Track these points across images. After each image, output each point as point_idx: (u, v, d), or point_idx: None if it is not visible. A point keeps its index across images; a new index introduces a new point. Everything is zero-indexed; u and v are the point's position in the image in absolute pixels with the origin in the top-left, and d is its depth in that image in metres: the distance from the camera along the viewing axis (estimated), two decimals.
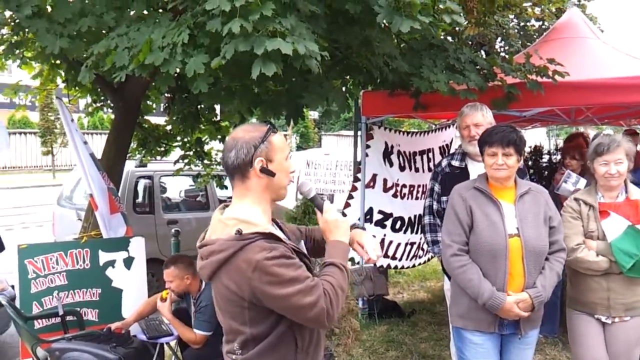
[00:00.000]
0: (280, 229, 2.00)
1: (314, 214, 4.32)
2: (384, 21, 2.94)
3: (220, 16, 2.68)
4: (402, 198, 5.69)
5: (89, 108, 5.93)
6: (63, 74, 4.82)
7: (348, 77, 4.57)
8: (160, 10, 3.67)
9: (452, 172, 3.46)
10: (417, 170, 5.79)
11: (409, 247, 5.82)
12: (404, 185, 5.67)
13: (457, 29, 6.38)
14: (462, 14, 3.27)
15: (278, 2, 2.66)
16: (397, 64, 4.10)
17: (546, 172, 7.07)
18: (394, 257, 5.72)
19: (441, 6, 3.02)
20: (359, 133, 5.61)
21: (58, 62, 4.43)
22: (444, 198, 3.44)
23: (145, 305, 4.17)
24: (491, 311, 2.68)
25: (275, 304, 1.74)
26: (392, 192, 5.58)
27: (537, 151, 7.43)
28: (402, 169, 5.64)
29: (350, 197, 5.56)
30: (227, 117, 5.85)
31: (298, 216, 4.36)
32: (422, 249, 6.06)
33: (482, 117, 3.35)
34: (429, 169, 5.86)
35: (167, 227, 7.21)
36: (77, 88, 5.09)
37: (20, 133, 26.10)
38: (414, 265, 6.23)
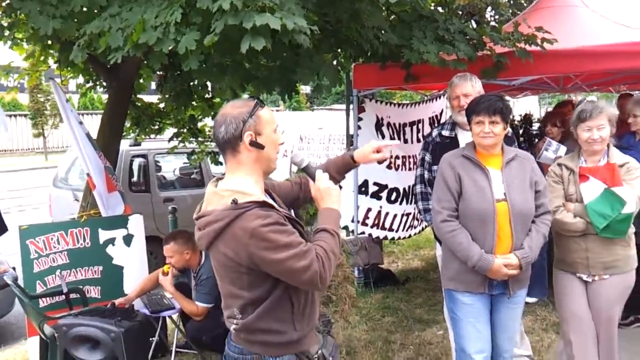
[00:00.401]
0: (273, 199, 2.08)
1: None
2: None
3: None
4: (396, 169, 5.78)
5: (81, 89, 5.96)
6: (56, 54, 4.83)
7: (339, 50, 4.61)
8: None
9: (443, 142, 3.54)
10: (405, 141, 5.87)
11: (405, 218, 5.94)
12: (397, 157, 5.75)
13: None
14: None
15: None
16: (387, 36, 4.14)
17: (536, 140, 7.17)
18: (390, 229, 5.84)
19: None
20: (351, 106, 5.67)
21: (50, 42, 4.44)
22: (434, 167, 3.52)
23: (147, 281, 4.28)
24: (480, 272, 2.79)
25: (272, 268, 1.84)
26: (386, 163, 5.66)
27: (527, 119, 7.51)
28: (392, 140, 5.70)
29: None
30: (220, 94, 5.88)
31: None
32: (417, 219, 6.18)
33: (471, 87, 3.42)
34: (418, 140, 5.95)
35: (163, 204, 7.29)
36: (69, 68, 5.12)
37: (10, 116, 25.91)
38: (409, 236, 6.36)
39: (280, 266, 1.82)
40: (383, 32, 4.15)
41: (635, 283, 3.14)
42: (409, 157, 5.87)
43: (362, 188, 5.62)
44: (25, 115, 25.40)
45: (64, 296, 4.03)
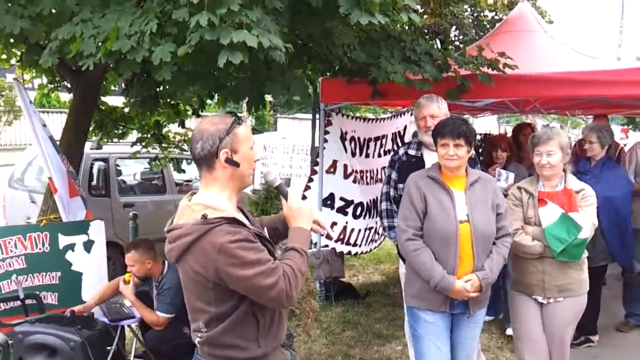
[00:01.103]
0: (245, 216, 2.11)
1: (277, 199, 4.45)
2: (342, 12, 3.06)
3: (188, 6, 2.74)
4: (359, 184, 5.86)
5: (43, 89, 5.83)
6: (18, 53, 4.72)
7: (308, 65, 4.66)
8: None
9: (409, 161, 3.62)
10: (367, 155, 5.96)
11: (367, 232, 6.01)
12: (360, 171, 5.83)
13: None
14: (419, 8, 3.41)
15: None
16: (356, 54, 4.23)
17: (478, 164, 7.37)
18: (355, 244, 5.91)
19: (400, 2, 3.14)
20: (317, 119, 5.72)
21: (13, 41, 4.34)
22: (400, 185, 3.60)
23: (107, 288, 4.21)
24: (442, 292, 2.87)
25: (238, 285, 1.86)
26: (352, 178, 5.74)
27: (487, 139, 7.73)
28: (353, 154, 5.80)
29: (311, 180, 5.68)
30: (186, 100, 5.85)
31: (260, 202, 4.44)
32: (378, 233, 6.26)
33: (437, 109, 3.52)
34: (379, 155, 6.08)
35: (123, 210, 7.17)
36: (31, 68, 5.01)
37: None
38: (370, 250, 6.44)
39: (246, 283, 1.84)
40: (352, 49, 4.23)
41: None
42: (369, 171, 5.97)
43: (328, 201, 5.66)
44: None
45: (19, 302, 3.92)
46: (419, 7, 3.19)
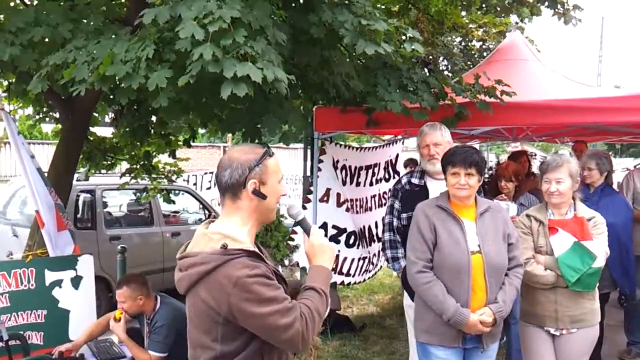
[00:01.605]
0: (261, 251, 2.01)
1: (277, 231, 4.33)
2: (347, 43, 3.01)
3: (191, 37, 2.65)
4: (350, 212, 5.77)
5: (29, 120, 5.70)
6: (5, 83, 4.61)
7: (304, 94, 4.60)
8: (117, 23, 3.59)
9: (412, 190, 3.54)
10: (358, 184, 5.91)
11: (361, 262, 5.90)
12: (351, 200, 5.76)
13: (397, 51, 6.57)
14: (421, 38, 3.38)
15: (249, 28, 2.66)
16: (354, 83, 4.18)
17: (482, 192, 7.35)
18: (347, 274, 5.78)
19: (404, 35, 3.11)
20: (311, 147, 5.65)
21: (1, 71, 4.23)
22: (403, 215, 3.52)
23: (96, 325, 4.02)
24: (455, 327, 2.76)
25: (251, 323, 1.75)
26: (345, 206, 5.65)
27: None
28: (344, 183, 5.73)
29: (304, 207, 5.58)
30: (177, 130, 5.76)
31: (260, 233, 4.30)
32: (372, 263, 6.16)
33: (441, 137, 3.46)
34: (371, 184, 6.04)
35: (109, 243, 6.99)
36: (19, 98, 4.88)
37: None
38: (364, 280, 6.31)
39: (261, 321, 1.73)
40: (351, 78, 4.18)
41: None
42: (359, 200, 5.90)
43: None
44: None
45: (2, 343, 3.71)
46: (422, 40, 3.13)
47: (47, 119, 5.46)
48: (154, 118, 5.26)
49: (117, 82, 2.78)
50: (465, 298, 2.74)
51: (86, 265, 4.30)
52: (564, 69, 6.04)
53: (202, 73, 2.65)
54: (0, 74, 4.30)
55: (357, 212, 5.85)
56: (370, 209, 6.12)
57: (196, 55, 2.55)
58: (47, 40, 3.27)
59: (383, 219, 3.76)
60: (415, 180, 3.59)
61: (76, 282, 4.24)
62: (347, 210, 5.71)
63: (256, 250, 1.84)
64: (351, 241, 5.73)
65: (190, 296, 1.84)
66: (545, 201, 3.21)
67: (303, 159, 6.14)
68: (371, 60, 4.60)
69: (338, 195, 5.61)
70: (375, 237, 6.13)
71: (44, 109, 5.33)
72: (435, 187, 3.40)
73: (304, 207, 5.59)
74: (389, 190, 6.47)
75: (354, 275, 5.88)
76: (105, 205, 7.62)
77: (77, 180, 6.84)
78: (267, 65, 2.60)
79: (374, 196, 6.16)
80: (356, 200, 5.87)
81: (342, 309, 6.40)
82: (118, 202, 8.37)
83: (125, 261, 5.60)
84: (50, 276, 4.13)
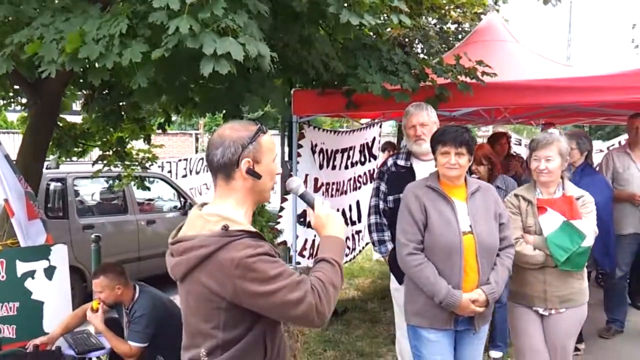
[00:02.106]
0: None
1: (260, 215, 4.23)
2: (332, 12, 2.90)
3: (166, 9, 2.51)
4: (326, 197, 5.71)
5: None
6: None
7: (284, 75, 4.48)
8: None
9: (398, 172, 3.48)
10: (334, 167, 5.86)
11: None
12: (327, 184, 5.69)
13: (379, 30, 6.47)
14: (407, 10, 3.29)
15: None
16: (334, 64, 4.07)
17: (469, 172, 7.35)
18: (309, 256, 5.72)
19: (390, 3, 3.01)
20: (289, 131, 5.55)
21: None
22: (390, 197, 3.45)
23: (72, 317, 3.88)
24: (448, 309, 2.71)
25: (259, 303, 1.66)
26: (321, 191, 5.59)
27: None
28: (320, 167, 5.67)
29: (284, 200, 5.50)
30: (151, 115, 5.58)
31: None
32: (348, 247, 6.10)
33: (427, 117, 3.39)
34: (346, 167, 6.01)
35: (82, 232, 6.84)
36: None
37: None
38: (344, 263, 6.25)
39: (269, 299, 1.64)
40: (331, 59, 4.07)
41: None
42: (335, 183, 5.85)
43: (301, 218, 5.47)
44: None
45: None
46: (408, 10, 3.05)
47: (12, 105, 5.23)
48: (127, 103, 5.08)
49: (90, 63, 2.61)
50: (457, 279, 2.69)
51: (60, 255, 4.13)
52: (543, 49, 6.04)
53: (179, 48, 2.51)
54: None
55: (332, 196, 5.80)
56: (346, 192, 6.08)
57: (172, 28, 2.40)
58: (10, 19, 3.08)
59: (369, 202, 3.69)
60: (401, 162, 3.53)
61: (50, 272, 4.07)
62: (323, 194, 5.64)
63: (257, 231, 1.75)
64: None
65: (188, 282, 1.74)
66: (534, 180, 3.17)
67: (280, 144, 6.03)
68: (351, 41, 4.52)
69: (315, 180, 5.54)
70: (349, 221, 6.08)
71: (9, 94, 5.08)
72: (422, 169, 3.34)
73: (284, 199, 5.50)
74: (364, 173, 6.44)
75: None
76: (77, 193, 7.44)
77: (48, 168, 6.63)
78: (248, 40, 2.48)
79: (349, 179, 6.12)
80: (332, 184, 5.82)
81: None
82: (91, 191, 8.15)
83: (99, 250, 5.42)
84: (22, 267, 3.96)
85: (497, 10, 7.74)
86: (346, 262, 6.37)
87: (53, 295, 4.07)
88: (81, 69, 2.81)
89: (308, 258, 5.60)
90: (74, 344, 3.79)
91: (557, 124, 7.55)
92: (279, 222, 5.65)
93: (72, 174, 7.06)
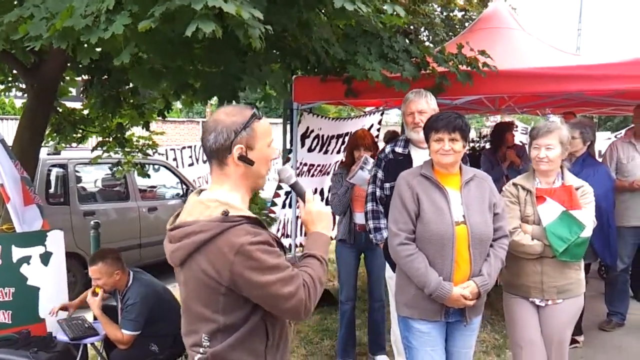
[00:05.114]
0: None
1: (254, 203, 4.19)
2: None
3: None
4: (300, 176, 5.68)
5: None
6: None
7: (284, 61, 4.42)
8: None
9: (396, 159, 3.42)
10: (326, 152, 5.86)
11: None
12: (304, 164, 5.66)
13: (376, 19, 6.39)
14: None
15: None
16: (335, 50, 4.01)
17: (469, 160, 7.26)
18: (288, 235, 5.76)
19: None
20: (290, 119, 5.49)
21: None
22: (386, 185, 3.40)
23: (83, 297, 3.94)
24: (438, 301, 2.66)
25: (254, 292, 1.66)
26: (300, 170, 5.59)
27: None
28: (310, 150, 5.66)
29: (279, 187, 5.46)
30: (151, 101, 5.53)
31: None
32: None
33: (426, 104, 3.33)
34: (338, 152, 6.03)
35: (83, 218, 6.85)
36: None
37: None
38: None
39: (263, 290, 1.64)
40: (331, 45, 4.00)
41: None
42: (320, 165, 5.87)
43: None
44: None
45: None
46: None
47: (13, 90, 5.20)
48: (125, 89, 5.03)
49: (77, 40, 2.55)
50: (449, 271, 2.64)
51: (56, 241, 4.12)
52: (550, 38, 5.94)
53: (168, 15, 2.40)
54: None
55: (312, 176, 5.82)
56: (328, 173, 6.07)
57: None
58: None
59: (367, 189, 3.64)
60: (399, 149, 3.46)
61: (46, 258, 4.06)
62: (302, 175, 5.64)
63: (257, 217, 1.74)
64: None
65: (187, 268, 1.73)
66: (533, 169, 3.11)
67: (282, 133, 5.98)
68: (351, 27, 4.44)
69: (299, 161, 5.53)
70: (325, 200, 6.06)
71: (9, 79, 5.05)
72: (420, 156, 3.28)
73: (280, 187, 5.47)
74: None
75: (294, 237, 5.81)
76: (78, 180, 7.43)
77: (48, 154, 6.63)
78: (240, 6, 2.39)
79: (336, 162, 6.08)
80: (318, 165, 5.84)
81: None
82: (92, 177, 8.16)
83: (99, 237, 5.41)
84: (17, 252, 3.95)
85: None
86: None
87: (49, 281, 4.06)
88: (70, 49, 2.74)
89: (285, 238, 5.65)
90: (69, 330, 3.78)
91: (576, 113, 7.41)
92: (273, 212, 5.64)
93: (74, 160, 7.05)
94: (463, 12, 8.41)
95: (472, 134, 7.99)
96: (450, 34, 8.25)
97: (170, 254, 1.77)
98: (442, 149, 2.70)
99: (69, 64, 4.43)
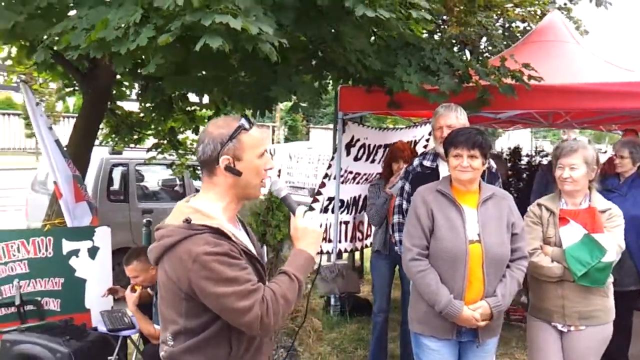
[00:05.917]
0: (245, 230, 1.97)
1: (278, 210, 4.28)
2: (349, 7, 2.89)
3: None
4: (346, 183, 5.73)
5: (60, 92, 5.80)
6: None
7: (324, 72, 4.49)
8: None
9: (423, 172, 3.40)
10: (373, 161, 5.85)
11: (343, 226, 5.82)
12: (349, 172, 5.67)
13: (440, 27, 6.33)
14: (434, 13, 3.21)
15: None
16: (370, 61, 4.04)
17: (525, 175, 7.07)
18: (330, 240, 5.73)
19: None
20: (334, 128, 5.57)
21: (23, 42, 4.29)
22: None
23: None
24: (448, 319, 2.63)
25: (209, 302, 1.70)
26: (345, 177, 5.62)
27: (516, 153, 7.43)
28: (356, 159, 5.67)
29: (319, 193, 5.53)
30: (203, 107, 5.75)
31: (261, 212, 4.23)
32: (360, 231, 6.09)
33: (455, 119, 3.29)
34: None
35: (141, 216, 7.12)
36: (47, 72, 4.97)
37: (3, 114, 25.72)
38: (356, 249, 6.25)
39: (218, 301, 1.68)
40: (366, 56, 4.04)
41: None
42: (364, 174, 5.84)
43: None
44: (18, 115, 25.08)
45: (15, 309, 3.82)
46: (428, 7, 3.00)
47: (75, 93, 5.54)
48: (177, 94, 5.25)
49: (110, 50, 2.74)
50: (460, 289, 2.60)
51: (103, 237, 4.36)
52: (611, 53, 5.69)
53: (185, 30, 2.53)
54: (24, 47, 4.36)
55: (358, 183, 5.83)
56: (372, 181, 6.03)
57: (171, 4, 2.43)
58: (55, 8, 3.26)
59: (395, 201, 3.65)
60: (427, 163, 3.45)
61: (93, 252, 4.30)
62: (347, 182, 5.67)
63: (221, 227, 1.75)
64: (331, 207, 5.65)
65: (160, 268, 1.81)
66: (559, 190, 3.00)
67: (332, 141, 6.08)
68: (393, 39, 4.45)
69: (344, 170, 5.56)
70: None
71: (73, 82, 5.40)
72: (447, 170, 3.25)
73: (319, 192, 5.52)
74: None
75: (338, 242, 5.78)
76: (139, 179, 7.78)
77: (109, 153, 7.02)
78: (250, 21, 2.48)
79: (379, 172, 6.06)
80: (363, 174, 5.84)
81: (365, 293, 6.33)
82: (153, 177, 8.51)
83: (150, 234, 5.70)
84: (67, 245, 4.21)
85: (569, 10, 7.34)
86: (361, 247, 6.39)
87: (95, 274, 4.30)
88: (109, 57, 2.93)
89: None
90: (109, 322, 3.99)
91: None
92: None
93: (134, 160, 7.39)
94: (525, 24, 8.18)
95: (527, 149, 7.76)
96: (511, 44, 8.04)
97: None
98: (461, 165, 2.67)
99: (127, 69, 4.69)
